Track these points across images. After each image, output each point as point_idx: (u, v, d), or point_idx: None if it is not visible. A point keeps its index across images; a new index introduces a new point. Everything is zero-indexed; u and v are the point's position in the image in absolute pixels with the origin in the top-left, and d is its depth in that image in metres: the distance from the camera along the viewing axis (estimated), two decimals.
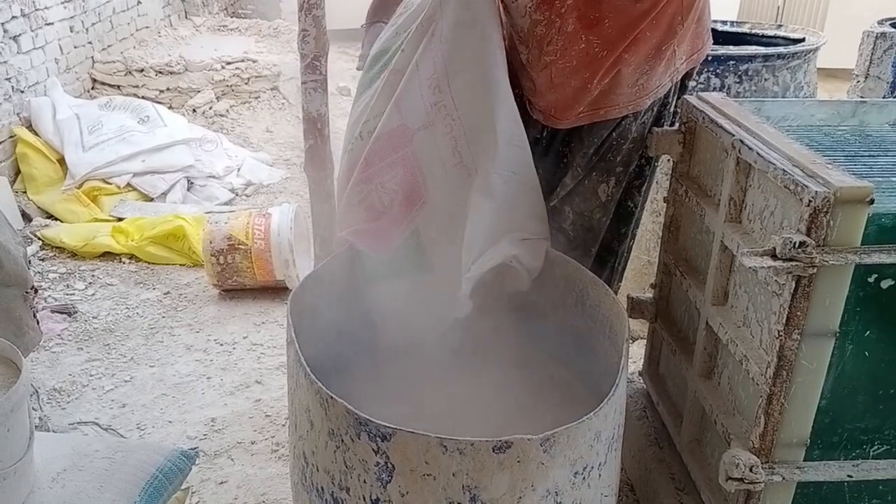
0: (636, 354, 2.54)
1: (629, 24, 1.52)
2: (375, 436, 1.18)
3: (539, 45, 1.60)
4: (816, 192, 1.17)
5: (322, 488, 1.32)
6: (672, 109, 1.73)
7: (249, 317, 2.94)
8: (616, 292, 1.91)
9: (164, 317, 2.94)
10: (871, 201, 1.18)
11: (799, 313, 1.25)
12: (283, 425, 2.31)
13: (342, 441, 1.23)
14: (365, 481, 1.23)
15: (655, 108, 1.68)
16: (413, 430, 1.17)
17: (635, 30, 1.52)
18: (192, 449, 1.51)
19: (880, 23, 2.59)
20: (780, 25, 2.67)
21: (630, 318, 1.96)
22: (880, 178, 1.37)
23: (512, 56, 1.67)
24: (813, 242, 1.18)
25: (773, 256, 1.19)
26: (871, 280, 1.27)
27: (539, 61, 1.61)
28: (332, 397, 1.22)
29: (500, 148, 1.49)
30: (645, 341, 2.04)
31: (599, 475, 1.31)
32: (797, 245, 1.17)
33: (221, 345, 2.76)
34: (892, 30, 2.35)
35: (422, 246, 1.57)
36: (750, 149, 1.37)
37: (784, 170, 1.26)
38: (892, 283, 1.28)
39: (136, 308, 3.00)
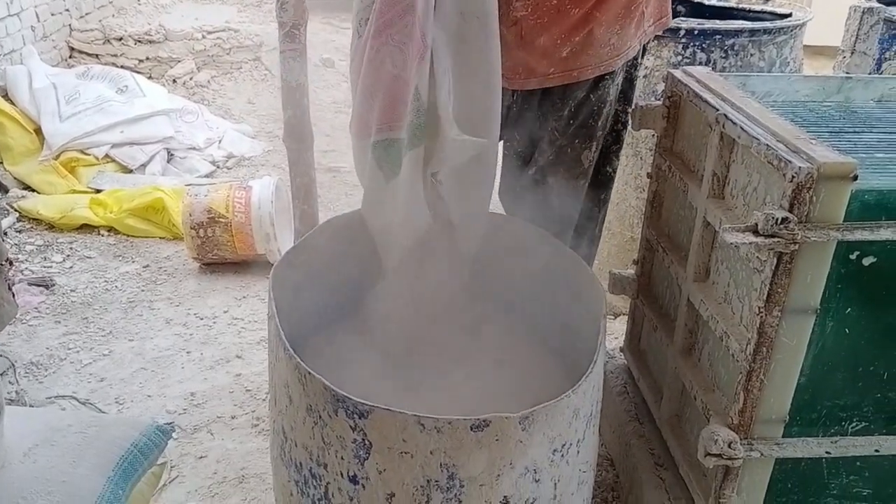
0: (618, 330, 2.54)
1: None
2: (353, 413, 1.17)
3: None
4: (800, 167, 1.16)
5: (301, 463, 1.31)
6: (637, 73, 1.72)
7: (230, 291, 2.91)
8: (594, 258, 1.90)
9: (143, 290, 2.91)
10: (855, 177, 1.17)
11: (780, 290, 1.24)
12: (264, 400, 2.29)
13: (320, 417, 1.22)
14: (342, 458, 1.22)
15: (626, 70, 1.67)
16: (390, 408, 1.15)
17: None
18: (167, 424, 1.50)
19: None
20: (766, 0, 2.64)
21: (612, 294, 1.96)
22: (864, 155, 1.36)
23: None
24: (795, 219, 1.17)
25: (755, 232, 1.17)
26: (853, 257, 1.26)
27: (508, 17, 1.55)
28: (310, 373, 1.20)
29: None
30: (627, 317, 2.04)
31: (578, 451, 1.30)
32: (779, 221, 1.16)
33: (201, 319, 2.73)
34: (879, 5, 2.33)
35: (422, 108, 1.42)
36: (734, 123, 1.35)
37: (768, 145, 1.24)
38: (874, 260, 1.27)
39: (114, 281, 2.96)
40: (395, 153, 1.43)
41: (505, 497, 1.22)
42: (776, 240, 1.17)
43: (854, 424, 1.44)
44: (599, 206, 1.81)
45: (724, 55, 2.26)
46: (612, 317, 2.70)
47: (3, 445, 1.23)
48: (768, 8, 2.58)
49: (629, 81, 1.69)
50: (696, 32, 2.24)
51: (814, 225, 1.18)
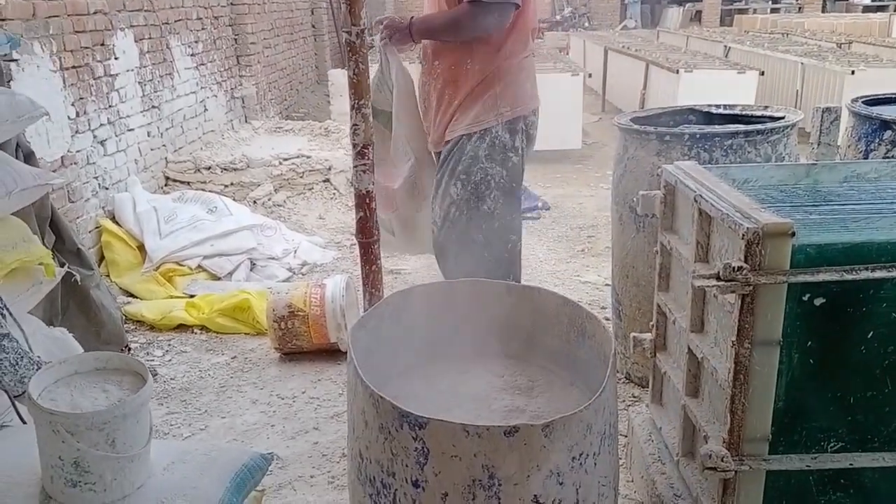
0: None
1: (471, 86, 2.71)
2: (414, 425, 1.52)
3: (427, 98, 2.88)
4: (748, 227, 1.52)
5: (374, 478, 1.65)
6: (515, 145, 2.79)
7: (307, 375, 3.31)
8: (519, 275, 2.95)
9: (231, 377, 3.33)
10: (793, 234, 1.52)
11: (747, 325, 1.58)
12: (339, 462, 2.64)
13: (389, 433, 1.57)
14: (407, 465, 1.56)
15: (488, 139, 2.74)
16: (442, 419, 1.51)
17: (474, 89, 2.72)
18: (269, 453, 1.86)
19: (854, 101, 2.95)
20: (766, 107, 3.05)
21: (634, 355, 2.29)
22: (813, 219, 1.71)
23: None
24: (748, 267, 1.52)
25: (718, 278, 1.53)
26: (805, 298, 1.60)
27: (427, 110, 2.90)
28: (382, 397, 1.57)
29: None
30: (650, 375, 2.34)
31: (595, 463, 1.61)
32: (736, 269, 1.51)
33: (283, 399, 3.13)
34: (838, 105, 2.72)
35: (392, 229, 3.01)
36: (706, 200, 1.73)
37: (728, 214, 1.61)
38: (824, 300, 1.60)
39: (207, 370, 3.40)
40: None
41: (535, 496, 1.53)
42: (733, 283, 1.51)
43: (832, 444, 1.72)
44: (499, 234, 2.80)
45: (724, 154, 2.64)
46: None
47: (150, 459, 1.62)
48: (767, 113, 2.97)
49: (492, 146, 2.73)
50: (698, 136, 2.65)
51: (764, 271, 1.53)
